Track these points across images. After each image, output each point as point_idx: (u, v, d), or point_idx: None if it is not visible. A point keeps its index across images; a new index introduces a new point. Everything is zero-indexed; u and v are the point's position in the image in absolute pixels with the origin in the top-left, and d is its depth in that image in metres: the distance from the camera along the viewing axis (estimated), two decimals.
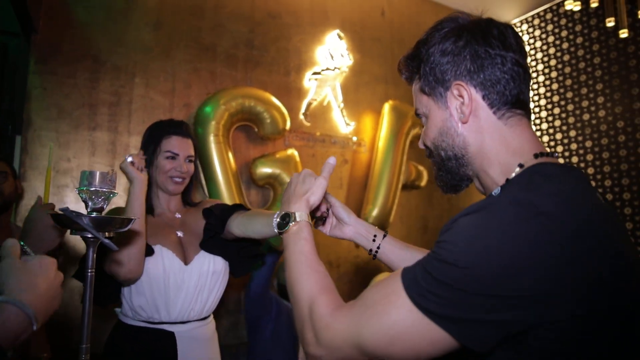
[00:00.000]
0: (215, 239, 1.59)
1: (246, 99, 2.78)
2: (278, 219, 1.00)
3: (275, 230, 1.02)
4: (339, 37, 3.42)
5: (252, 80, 3.04)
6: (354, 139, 3.45)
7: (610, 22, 2.40)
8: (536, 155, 0.78)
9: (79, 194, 1.08)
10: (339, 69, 3.38)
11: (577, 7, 2.40)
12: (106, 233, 1.06)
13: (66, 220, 1.02)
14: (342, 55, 3.41)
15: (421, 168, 3.63)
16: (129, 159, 1.47)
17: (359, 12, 3.64)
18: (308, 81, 3.27)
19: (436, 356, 0.67)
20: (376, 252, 1.19)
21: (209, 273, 1.60)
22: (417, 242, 3.63)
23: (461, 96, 0.82)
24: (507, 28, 0.83)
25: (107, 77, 2.64)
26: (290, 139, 3.14)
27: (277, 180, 2.87)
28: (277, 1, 3.25)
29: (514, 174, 0.77)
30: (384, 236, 1.19)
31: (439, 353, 0.67)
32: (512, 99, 0.81)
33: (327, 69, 3.34)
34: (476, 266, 0.62)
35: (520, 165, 0.77)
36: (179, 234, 1.65)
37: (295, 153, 2.99)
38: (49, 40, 2.50)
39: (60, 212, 0.99)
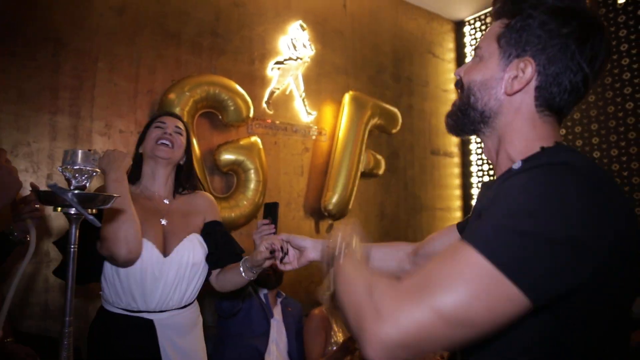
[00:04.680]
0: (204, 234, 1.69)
1: (211, 86, 2.82)
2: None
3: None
4: (302, 27, 3.50)
5: (216, 69, 3.08)
6: (315, 127, 3.56)
7: None
8: (557, 143, 0.82)
9: (62, 172, 1.12)
10: (301, 59, 3.47)
11: None
12: (89, 210, 1.11)
13: (51, 197, 1.07)
14: (304, 46, 3.50)
15: (379, 157, 3.78)
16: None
17: (321, 4, 3.73)
18: (271, 70, 3.34)
19: (512, 318, 0.63)
20: None
21: (188, 265, 1.59)
22: (375, 228, 3.82)
23: (523, 72, 0.81)
24: (607, 50, 0.81)
25: (70, 61, 2.61)
26: (254, 126, 3.21)
27: (241, 166, 2.93)
28: None
29: (533, 152, 0.80)
30: None
31: (516, 314, 0.63)
32: (554, 106, 0.83)
33: (290, 58, 3.42)
34: (552, 215, 0.62)
35: (542, 148, 0.80)
36: (163, 222, 1.62)
37: (259, 140, 3.06)
38: (6, 20, 2.45)
39: (48, 189, 1.05)
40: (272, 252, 1.39)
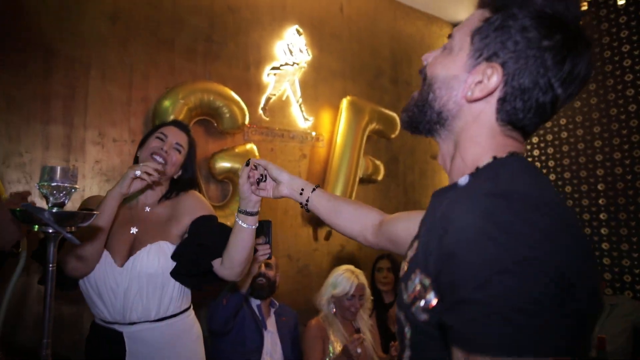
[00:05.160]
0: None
1: (205, 93, 2.79)
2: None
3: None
4: (298, 32, 3.46)
5: (211, 75, 3.04)
6: (313, 133, 3.52)
7: None
8: (510, 153, 0.73)
9: (39, 189, 1.09)
10: (297, 64, 3.43)
11: None
12: (68, 227, 1.08)
13: (27, 216, 1.04)
14: (300, 51, 3.46)
15: (378, 162, 3.74)
16: (137, 173, 1.45)
17: (317, 8, 3.69)
18: (267, 76, 3.30)
19: None
20: (306, 204, 1.29)
21: (142, 275, 1.50)
22: None
23: (488, 79, 0.72)
24: (587, 72, 0.72)
25: (61, 69, 2.57)
26: (250, 133, 3.17)
27: (237, 174, 2.89)
28: None
29: (484, 164, 0.73)
30: (314, 190, 1.29)
31: None
32: (517, 123, 0.74)
33: (286, 64, 3.38)
34: (530, 273, 0.54)
35: (494, 158, 0.73)
36: (133, 230, 1.57)
37: (254, 147, 3.02)
38: None
39: (21, 208, 1.01)
40: (247, 164, 1.34)
